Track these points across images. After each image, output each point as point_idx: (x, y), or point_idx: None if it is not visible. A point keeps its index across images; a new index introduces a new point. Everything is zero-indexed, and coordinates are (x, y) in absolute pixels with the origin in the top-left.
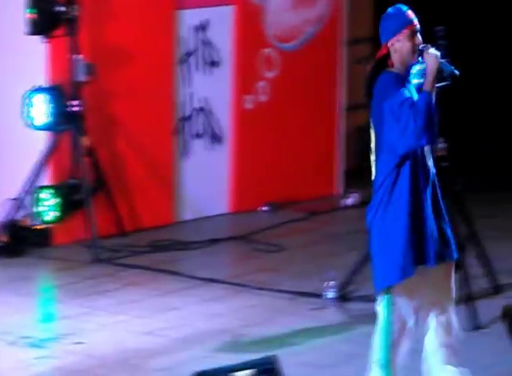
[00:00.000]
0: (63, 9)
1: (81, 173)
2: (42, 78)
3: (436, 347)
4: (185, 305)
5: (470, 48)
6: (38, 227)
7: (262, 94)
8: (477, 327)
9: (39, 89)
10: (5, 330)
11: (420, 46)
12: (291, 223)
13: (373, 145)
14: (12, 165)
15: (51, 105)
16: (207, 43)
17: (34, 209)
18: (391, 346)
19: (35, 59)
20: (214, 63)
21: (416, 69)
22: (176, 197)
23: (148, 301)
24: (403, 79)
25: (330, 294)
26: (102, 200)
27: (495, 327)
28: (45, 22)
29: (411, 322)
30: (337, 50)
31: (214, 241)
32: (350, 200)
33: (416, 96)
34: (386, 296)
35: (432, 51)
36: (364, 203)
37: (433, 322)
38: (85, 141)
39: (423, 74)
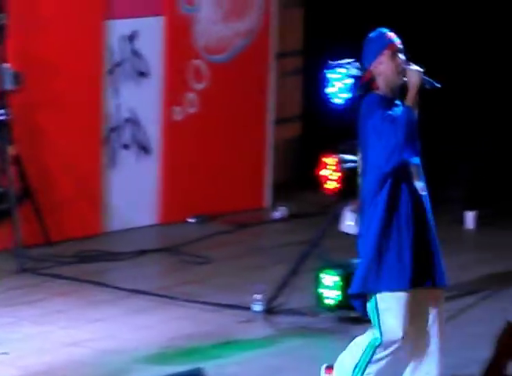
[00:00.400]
0: None
1: (7, 182)
2: None
3: None
4: (112, 317)
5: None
6: None
7: (191, 106)
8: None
9: None
10: None
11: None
12: (219, 235)
13: (360, 169)
14: None
15: None
16: (136, 54)
17: None
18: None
19: None
20: (142, 74)
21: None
22: (104, 208)
23: (74, 312)
24: (389, 101)
25: (258, 307)
26: (29, 210)
27: None
28: None
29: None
30: (266, 63)
31: (141, 252)
32: (278, 214)
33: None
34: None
35: (414, 67)
36: (292, 216)
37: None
38: (12, 150)
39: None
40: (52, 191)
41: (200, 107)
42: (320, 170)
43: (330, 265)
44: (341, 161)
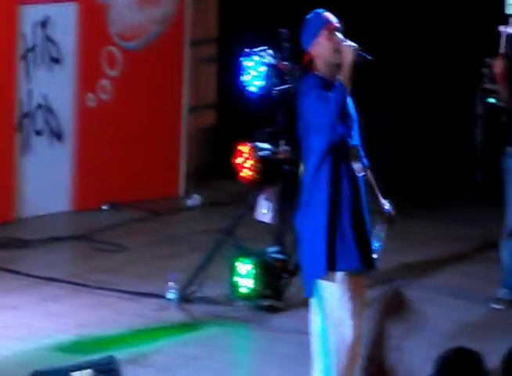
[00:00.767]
0: None
1: None
2: None
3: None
4: (24, 304)
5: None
6: None
7: (105, 93)
8: None
9: None
10: None
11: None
12: (133, 223)
13: (300, 153)
14: None
15: None
16: (49, 40)
17: None
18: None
19: None
20: (55, 60)
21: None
22: (16, 194)
23: None
24: (328, 82)
25: (172, 295)
26: None
27: None
28: None
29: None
30: (181, 50)
31: (54, 240)
32: (191, 201)
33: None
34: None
35: (348, 42)
36: (206, 204)
37: None
38: None
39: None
40: None
41: (113, 94)
42: (236, 158)
43: (245, 254)
44: (256, 149)
